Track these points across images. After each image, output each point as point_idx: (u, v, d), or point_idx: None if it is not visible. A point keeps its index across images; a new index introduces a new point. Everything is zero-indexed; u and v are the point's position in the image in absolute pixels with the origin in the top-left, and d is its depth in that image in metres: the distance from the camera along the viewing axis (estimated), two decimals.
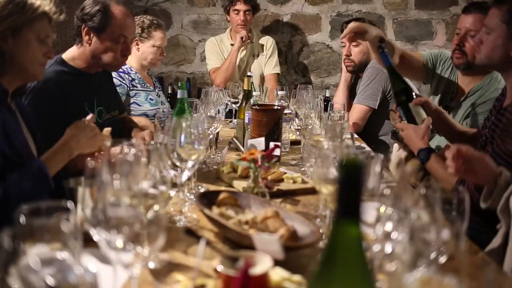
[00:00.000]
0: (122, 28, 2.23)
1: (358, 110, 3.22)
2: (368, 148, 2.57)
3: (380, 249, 0.89)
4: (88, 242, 0.93)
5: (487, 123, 2.04)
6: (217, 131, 2.26)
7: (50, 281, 0.72)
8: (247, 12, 4.05)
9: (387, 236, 0.91)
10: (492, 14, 1.97)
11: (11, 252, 0.68)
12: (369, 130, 3.26)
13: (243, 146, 2.35)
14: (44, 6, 1.66)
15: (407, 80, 2.45)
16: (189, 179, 1.59)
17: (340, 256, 0.62)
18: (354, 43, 3.27)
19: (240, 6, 4.03)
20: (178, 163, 1.47)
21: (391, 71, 2.29)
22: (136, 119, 2.84)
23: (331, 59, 4.74)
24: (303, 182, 1.87)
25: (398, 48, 2.64)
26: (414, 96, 2.22)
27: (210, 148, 2.21)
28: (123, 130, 2.43)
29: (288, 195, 1.77)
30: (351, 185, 0.58)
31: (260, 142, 2.07)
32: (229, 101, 3.02)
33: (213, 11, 4.77)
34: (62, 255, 0.75)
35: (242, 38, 3.97)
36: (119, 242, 0.90)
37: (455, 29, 2.65)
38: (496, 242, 1.50)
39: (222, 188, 1.78)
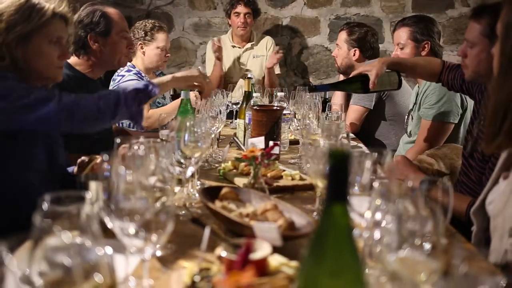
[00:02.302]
0: (122, 25, 2.40)
1: (354, 110, 3.30)
2: (364, 148, 2.65)
3: (369, 236, 0.97)
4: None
5: (474, 130, 2.08)
6: (218, 130, 2.35)
7: (72, 261, 0.80)
8: (247, 15, 4.15)
9: (376, 224, 0.99)
10: (471, 28, 1.97)
11: (41, 232, 0.76)
12: (366, 130, 3.34)
13: (243, 145, 2.44)
14: (54, 8, 1.67)
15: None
16: (192, 175, 1.67)
17: (329, 236, 0.70)
18: (338, 46, 3.52)
19: (241, 9, 4.14)
20: (182, 160, 1.56)
21: (335, 86, 2.70)
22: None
23: (330, 61, 4.83)
24: (301, 179, 1.94)
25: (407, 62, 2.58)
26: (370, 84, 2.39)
27: (212, 147, 2.29)
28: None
29: (287, 191, 1.84)
30: (339, 172, 0.66)
31: (260, 141, 2.15)
32: (230, 102, 3.10)
33: (214, 14, 4.86)
34: (81, 240, 0.84)
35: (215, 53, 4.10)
36: (131, 229, 0.99)
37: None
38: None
39: (224, 184, 1.85)
